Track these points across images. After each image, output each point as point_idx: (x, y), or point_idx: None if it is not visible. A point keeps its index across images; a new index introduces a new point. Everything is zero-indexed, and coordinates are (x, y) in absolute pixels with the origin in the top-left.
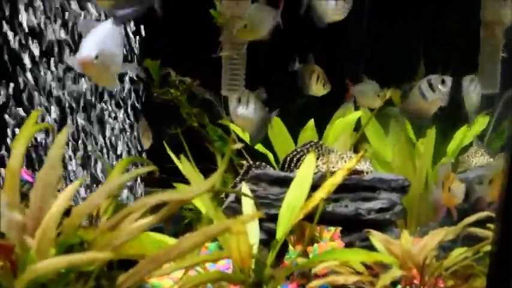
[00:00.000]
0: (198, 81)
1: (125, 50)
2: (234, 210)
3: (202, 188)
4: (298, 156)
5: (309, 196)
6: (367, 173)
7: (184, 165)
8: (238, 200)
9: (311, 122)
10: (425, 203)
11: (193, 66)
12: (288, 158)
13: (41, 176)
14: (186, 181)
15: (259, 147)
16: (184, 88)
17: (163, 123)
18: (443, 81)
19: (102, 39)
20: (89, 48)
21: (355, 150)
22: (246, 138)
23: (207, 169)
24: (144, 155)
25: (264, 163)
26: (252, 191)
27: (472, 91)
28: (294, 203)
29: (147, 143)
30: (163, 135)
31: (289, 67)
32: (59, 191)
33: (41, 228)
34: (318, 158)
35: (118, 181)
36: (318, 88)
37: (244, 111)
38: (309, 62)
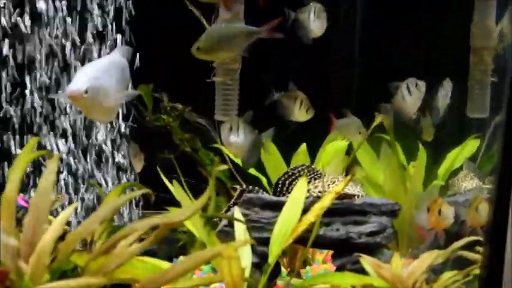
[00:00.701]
0: (190, 107)
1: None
2: (227, 234)
3: (191, 210)
4: (290, 179)
5: (301, 220)
6: (358, 196)
7: (177, 190)
8: (231, 224)
9: (303, 146)
10: (416, 227)
11: (186, 92)
12: (280, 181)
13: (33, 202)
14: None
15: (252, 171)
16: (177, 114)
17: (156, 148)
18: (417, 85)
19: (95, 72)
20: (79, 81)
21: (347, 174)
22: (239, 161)
23: (200, 193)
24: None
25: (257, 187)
26: (245, 215)
27: (441, 96)
28: (285, 227)
29: (138, 166)
30: (156, 161)
31: (267, 99)
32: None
33: (35, 254)
34: (309, 182)
35: (112, 205)
36: (301, 114)
37: (236, 139)
38: (290, 90)
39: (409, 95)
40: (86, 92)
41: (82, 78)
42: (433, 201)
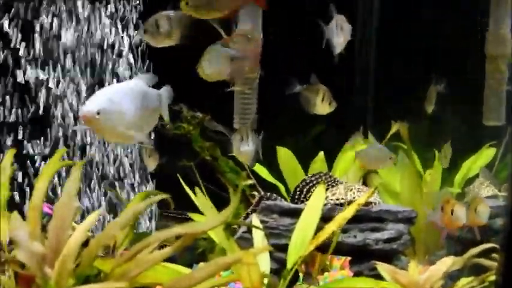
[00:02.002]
0: (209, 116)
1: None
2: (246, 241)
3: (216, 222)
4: (307, 187)
5: (320, 227)
6: (375, 204)
7: (199, 198)
8: (250, 231)
9: (321, 153)
10: (433, 232)
11: (205, 100)
12: (298, 188)
13: (57, 209)
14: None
15: (270, 178)
16: (196, 123)
17: (175, 156)
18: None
19: (110, 95)
20: (92, 102)
21: (364, 181)
22: (260, 170)
23: (219, 199)
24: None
25: (275, 194)
26: (263, 222)
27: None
28: (303, 234)
29: (152, 165)
30: (176, 168)
31: (287, 89)
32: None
33: (60, 259)
34: (327, 190)
35: (133, 211)
36: (323, 107)
37: (246, 148)
38: (312, 83)
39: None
40: (98, 113)
41: (96, 100)
42: (446, 201)
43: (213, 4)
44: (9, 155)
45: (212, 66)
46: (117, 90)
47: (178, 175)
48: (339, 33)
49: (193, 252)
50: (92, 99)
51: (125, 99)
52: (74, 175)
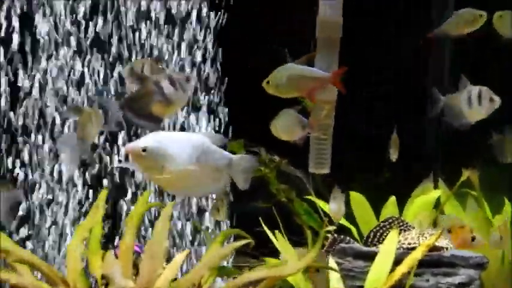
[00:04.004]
0: (286, 160)
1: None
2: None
3: (300, 266)
4: (381, 231)
5: (393, 270)
6: (446, 249)
7: (280, 241)
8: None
9: (392, 198)
10: (503, 277)
11: (282, 145)
12: (372, 233)
13: (149, 247)
14: None
15: (343, 221)
16: (273, 166)
17: (252, 197)
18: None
19: (162, 138)
20: (141, 140)
21: (435, 226)
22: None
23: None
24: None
25: (348, 237)
26: (338, 263)
27: None
28: (378, 277)
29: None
30: (254, 210)
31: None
32: None
33: None
34: (399, 234)
35: (220, 254)
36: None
37: (336, 206)
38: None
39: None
40: (144, 150)
41: (145, 138)
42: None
43: (292, 86)
44: (103, 194)
45: (284, 129)
46: (172, 136)
47: (259, 218)
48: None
49: None
50: (143, 138)
51: (178, 146)
52: (164, 216)
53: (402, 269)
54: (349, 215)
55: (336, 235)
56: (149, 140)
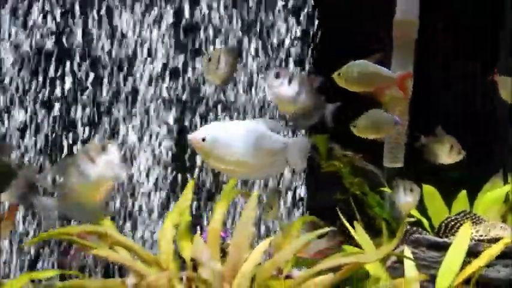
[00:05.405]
0: (361, 155)
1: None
2: (395, 270)
3: (379, 255)
4: (452, 223)
5: (465, 261)
6: None
7: (358, 231)
8: (400, 261)
9: (463, 192)
10: None
11: (357, 141)
12: (443, 225)
13: (236, 233)
14: None
15: (415, 213)
16: (347, 161)
17: (329, 190)
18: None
19: (221, 127)
20: (202, 129)
21: (504, 220)
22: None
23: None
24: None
25: (420, 228)
26: (413, 253)
27: None
28: (451, 267)
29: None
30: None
31: (415, 143)
32: None
33: (238, 278)
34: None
35: (302, 240)
36: (451, 157)
37: (408, 199)
38: (437, 135)
39: None
40: (203, 139)
41: (205, 128)
42: None
43: (362, 81)
44: (191, 184)
45: (375, 127)
46: (230, 125)
47: (337, 209)
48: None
49: None
50: (204, 127)
51: (234, 133)
52: (251, 204)
53: (479, 262)
54: (418, 207)
55: (408, 227)
56: (208, 129)
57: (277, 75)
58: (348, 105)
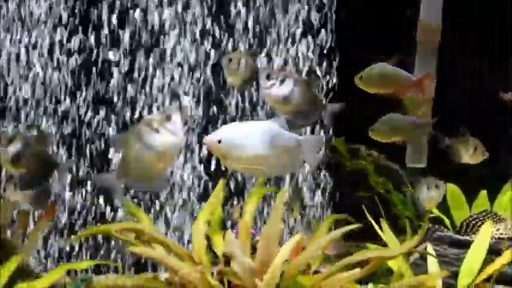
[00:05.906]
0: (384, 155)
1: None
2: (418, 266)
3: (403, 250)
4: (473, 222)
5: (486, 259)
6: None
7: (384, 228)
8: (423, 258)
9: (484, 192)
10: None
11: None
12: (465, 223)
13: (265, 231)
14: None
15: (436, 211)
16: (372, 160)
17: (354, 189)
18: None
19: (235, 129)
20: (217, 132)
21: None
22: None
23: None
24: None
25: (441, 226)
26: (435, 250)
27: None
28: (472, 264)
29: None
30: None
31: (439, 144)
32: None
33: (268, 273)
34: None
35: (330, 237)
36: (475, 158)
37: (432, 195)
38: (462, 135)
39: None
40: (219, 141)
41: (221, 130)
42: None
43: (382, 83)
44: (221, 183)
45: (386, 131)
46: (245, 126)
47: (363, 207)
48: None
49: None
50: (219, 129)
51: (249, 134)
52: (279, 201)
53: (502, 261)
54: (440, 206)
55: (430, 225)
56: (224, 132)
57: (268, 76)
58: (378, 107)
